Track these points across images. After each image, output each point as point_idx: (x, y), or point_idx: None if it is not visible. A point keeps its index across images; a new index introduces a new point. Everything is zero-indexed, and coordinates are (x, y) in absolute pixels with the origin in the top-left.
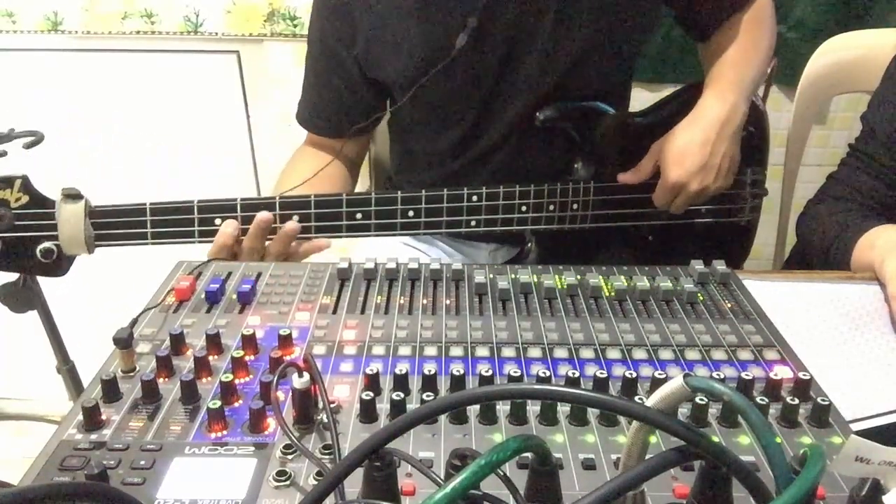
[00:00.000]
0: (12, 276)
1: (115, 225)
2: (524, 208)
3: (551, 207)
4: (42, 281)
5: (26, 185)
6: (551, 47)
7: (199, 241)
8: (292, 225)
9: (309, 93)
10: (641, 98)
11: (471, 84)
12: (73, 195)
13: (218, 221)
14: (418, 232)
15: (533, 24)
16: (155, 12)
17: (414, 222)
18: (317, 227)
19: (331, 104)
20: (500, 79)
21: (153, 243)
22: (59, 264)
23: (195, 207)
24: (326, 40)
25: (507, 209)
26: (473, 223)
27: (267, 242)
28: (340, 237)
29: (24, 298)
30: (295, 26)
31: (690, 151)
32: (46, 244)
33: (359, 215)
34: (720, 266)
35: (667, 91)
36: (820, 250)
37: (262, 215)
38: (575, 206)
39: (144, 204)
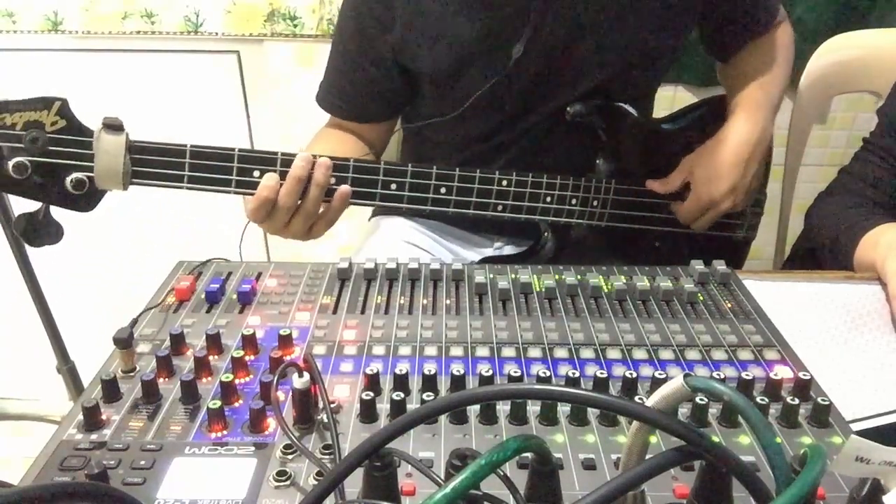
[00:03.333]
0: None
1: (153, 163)
2: (549, 199)
3: (573, 202)
4: (43, 280)
5: (64, 109)
6: (596, 60)
7: (235, 192)
8: (346, 188)
9: (335, 76)
10: None
11: (511, 88)
12: (114, 126)
13: (256, 174)
14: (447, 210)
15: (579, 38)
16: (155, 12)
17: (445, 199)
18: (352, 191)
19: (357, 88)
20: (537, 81)
21: (189, 188)
22: (88, 198)
23: (235, 156)
24: (362, 23)
25: (533, 197)
26: (500, 208)
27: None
28: (373, 205)
29: (45, 231)
30: (295, 26)
31: (724, 172)
32: (78, 174)
33: (393, 185)
34: (720, 266)
35: (667, 90)
36: (826, 244)
37: (299, 168)
38: (595, 203)
39: (185, 145)
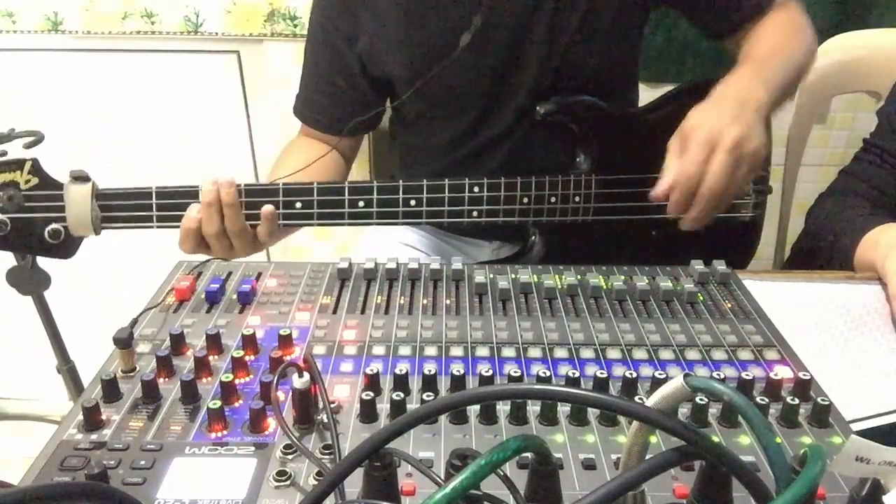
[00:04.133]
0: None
1: (121, 207)
2: (525, 200)
3: (553, 200)
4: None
5: (35, 168)
6: (549, 39)
7: None
8: (269, 208)
9: (308, 88)
10: (641, 97)
11: (473, 79)
12: (80, 177)
13: None
14: (420, 221)
15: (531, 18)
16: (155, 12)
17: (416, 211)
18: (319, 213)
19: (331, 100)
20: (501, 73)
21: (158, 227)
22: (66, 246)
23: (199, 192)
24: (329, 37)
25: (508, 200)
26: (475, 214)
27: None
28: (342, 225)
29: (33, 280)
30: (295, 26)
31: (707, 122)
32: (54, 225)
33: (361, 203)
34: (720, 266)
35: (666, 89)
36: (826, 244)
37: (207, 193)
38: (577, 199)
39: (150, 188)
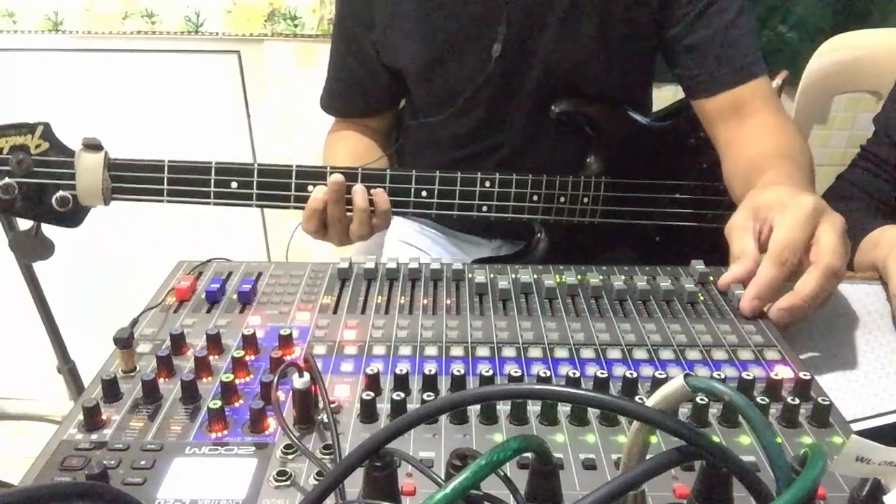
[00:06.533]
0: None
1: (132, 179)
2: (535, 198)
3: (562, 199)
4: (44, 280)
5: (47, 133)
6: (559, 44)
7: (215, 203)
8: (383, 196)
9: (330, 78)
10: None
11: (487, 82)
12: (93, 145)
13: (234, 185)
14: (430, 212)
15: (541, 22)
16: (155, 12)
17: (426, 202)
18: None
19: (347, 87)
20: (512, 75)
21: (169, 201)
22: (73, 214)
23: (212, 169)
24: (346, 23)
25: (518, 197)
26: (485, 208)
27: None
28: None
29: (37, 247)
30: (295, 26)
31: (794, 194)
32: (63, 192)
33: (372, 191)
34: (721, 267)
35: (666, 89)
36: None
37: (337, 178)
38: (585, 200)
39: (163, 161)
